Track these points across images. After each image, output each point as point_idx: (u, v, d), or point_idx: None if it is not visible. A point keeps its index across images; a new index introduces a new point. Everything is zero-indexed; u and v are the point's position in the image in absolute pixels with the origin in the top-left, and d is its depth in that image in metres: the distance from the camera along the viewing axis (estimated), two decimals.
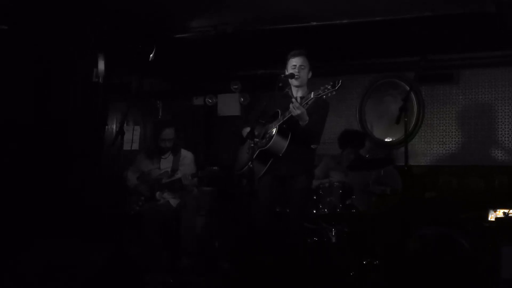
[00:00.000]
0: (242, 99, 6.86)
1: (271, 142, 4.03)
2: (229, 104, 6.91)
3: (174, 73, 6.72)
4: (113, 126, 6.63)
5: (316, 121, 4.09)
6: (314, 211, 4.77)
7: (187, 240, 4.89)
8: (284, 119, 4.00)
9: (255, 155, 4.05)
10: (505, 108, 5.81)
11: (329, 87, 3.74)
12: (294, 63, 4.17)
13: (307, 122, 3.91)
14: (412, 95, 6.03)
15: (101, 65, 5.36)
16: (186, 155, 5.24)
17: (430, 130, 6.12)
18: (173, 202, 5.06)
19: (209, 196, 5.92)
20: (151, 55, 4.30)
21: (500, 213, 4.67)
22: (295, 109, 3.84)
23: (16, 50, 4.82)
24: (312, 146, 4.23)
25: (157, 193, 5.02)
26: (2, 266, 4.01)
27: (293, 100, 3.91)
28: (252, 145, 3.95)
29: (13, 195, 4.62)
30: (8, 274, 3.93)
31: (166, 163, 5.16)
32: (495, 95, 5.87)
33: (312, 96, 3.84)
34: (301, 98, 4.08)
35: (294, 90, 4.27)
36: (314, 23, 5.17)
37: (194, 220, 4.97)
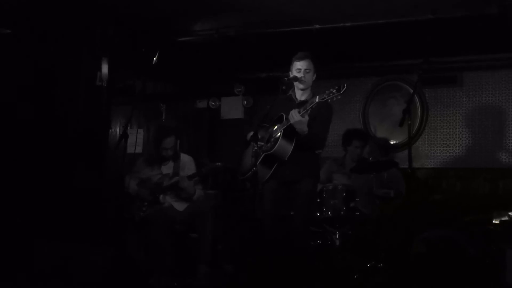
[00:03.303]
0: (245, 102, 6.87)
1: (276, 146, 4.00)
2: (233, 107, 6.93)
3: (177, 76, 6.73)
4: (117, 129, 6.65)
5: (320, 126, 4.08)
6: (318, 214, 4.76)
7: (205, 249, 4.87)
8: (289, 123, 3.98)
9: (259, 159, 4.04)
10: (509, 110, 5.80)
11: (334, 91, 3.73)
12: (299, 67, 4.15)
13: (306, 132, 3.90)
14: (416, 98, 6.02)
15: (104, 69, 5.36)
16: (186, 160, 5.23)
17: (434, 132, 6.11)
18: (177, 205, 5.03)
19: (213, 198, 5.92)
20: (154, 59, 4.31)
21: (505, 216, 4.65)
22: (293, 118, 3.85)
23: (19, 53, 4.84)
24: (316, 151, 4.22)
25: (161, 196, 5.01)
26: (5, 268, 4.02)
27: (293, 111, 3.91)
28: (256, 148, 3.93)
29: (17, 198, 4.63)
30: (12, 276, 3.94)
31: (166, 169, 5.14)
32: (499, 97, 5.86)
33: (317, 100, 3.83)
34: (304, 102, 4.07)
35: (298, 93, 4.26)
36: (317, 26, 5.16)
37: (210, 228, 4.92)
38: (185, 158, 5.22)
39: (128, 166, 5.07)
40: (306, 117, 3.89)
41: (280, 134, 4.02)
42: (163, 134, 5.10)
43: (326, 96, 3.76)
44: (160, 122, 6.95)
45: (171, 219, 4.90)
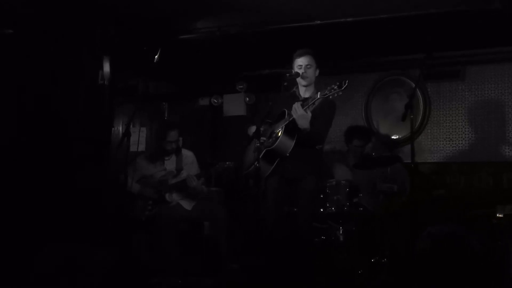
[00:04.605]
0: (247, 99, 6.86)
1: (277, 141, 4.02)
2: (235, 104, 6.91)
3: (179, 74, 6.73)
4: (120, 128, 6.65)
5: (322, 124, 4.09)
6: (321, 210, 4.76)
7: (226, 246, 4.91)
8: (291, 119, 3.99)
9: (261, 154, 4.04)
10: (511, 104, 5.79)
11: (335, 87, 3.74)
12: (300, 63, 4.17)
13: (308, 129, 3.90)
14: (418, 92, 6.01)
15: (106, 68, 5.37)
16: (188, 154, 5.25)
17: (436, 127, 6.10)
18: (185, 204, 5.03)
19: (217, 196, 5.92)
20: (156, 57, 4.31)
21: (508, 209, 4.64)
22: (295, 112, 3.85)
23: (22, 52, 4.84)
24: (316, 147, 4.23)
25: (167, 195, 5.00)
26: (9, 269, 4.04)
27: (295, 104, 3.91)
28: (258, 144, 3.95)
29: (19, 199, 4.64)
30: (15, 277, 3.96)
31: (169, 164, 5.15)
32: (501, 91, 5.84)
33: (318, 97, 3.85)
34: (307, 98, 4.07)
35: (301, 90, 4.26)
36: (319, 22, 5.16)
37: (224, 225, 4.97)
38: (186, 153, 5.25)
39: (128, 165, 5.06)
40: (309, 113, 3.89)
41: (281, 130, 4.03)
42: (167, 127, 5.13)
43: (328, 92, 3.78)
44: (163, 120, 6.95)
45: (179, 218, 4.90)
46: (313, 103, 3.88)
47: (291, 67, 4.24)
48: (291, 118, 3.98)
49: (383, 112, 6.36)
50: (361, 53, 6.11)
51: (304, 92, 4.24)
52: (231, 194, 6.08)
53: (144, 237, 4.90)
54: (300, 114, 3.86)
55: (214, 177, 5.66)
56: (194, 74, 6.81)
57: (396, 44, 5.67)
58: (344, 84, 3.70)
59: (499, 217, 4.63)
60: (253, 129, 4.19)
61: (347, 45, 5.72)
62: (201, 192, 5.07)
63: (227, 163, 4.88)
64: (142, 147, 6.58)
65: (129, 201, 4.93)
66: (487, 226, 4.54)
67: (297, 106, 3.90)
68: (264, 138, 4.14)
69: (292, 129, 4.02)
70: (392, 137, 6.23)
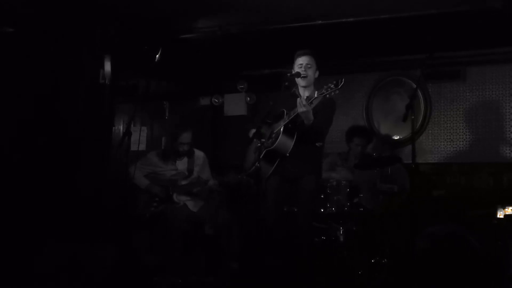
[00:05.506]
0: (248, 99, 6.87)
1: (277, 142, 4.02)
2: (236, 104, 6.92)
3: (180, 73, 6.73)
4: (120, 128, 6.65)
5: (321, 120, 4.09)
6: (322, 210, 4.77)
7: (232, 246, 4.93)
8: (290, 118, 4.00)
9: (262, 155, 4.05)
10: None
11: (332, 86, 3.75)
12: (301, 62, 4.18)
13: (311, 121, 3.91)
14: (419, 93, 6.01)
15: (107, 67, 5.37)
16: (199, 155, 5.25)
17: (437, 127, 6.10)
18: (191, 205, 5.02)
19: (218, 196, 5.92)
20: (157, 56, 4.31)
21: (509, 210, 4.65)
22: (301, 107, 3.85)
23: (22, 52, 4.85)
24: (316, 144, 4.23)
25: (174, 195, 4.99)
26: (9, 269, 4.05)
27: (300, 98, 3.92)
28: (259, 145, 3.95)
29: (21, 199, 4.64)
30: (15, 277, 3.97)
31: (181, 165, 5.15)
32: (502, 91, 5.83)
33: (315, 95, 3.85)
34: (307, 97, 4.08)
35: (301, 90, 4.27)
36: (320, 22, 5.16)
37: (231, 225, 5.00)
38: (198, 153, 5.25)
39: (135, 158, 5.04)
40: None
41: (281, 130, 4.04)
42: (181, 129, 5.11)
43: (325, 91, 3.79)
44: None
45: (185, 219, 4.89)
46: (311, 102, 3.88)
47: (292, 67, 4.25)
48: (290, 118, 3.99)
49: (383, 113, 6.36)
50: (361, 53, 6.11)
51: (303, 93, 4.24)
52: (232, 194, 6.07)
53: (145, 236, 4.90)
54: (307, 110, 3.85)
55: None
56: (195, 74, 6.81)
57: (396, 44, 5.67)
58: (341, 83, 3.71)
59: (499, 217, 4.64)
60: (254, 130, 4.19)
61: (347, 45, 5.72)
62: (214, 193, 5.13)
63: (240, 175, 4.85)
64: (142, 147, 6.58)
65: (133, 197, 4.93)
66: (487, 226, 4.53)
67: (303, 99, 3.87)
68: (264, 139, 4.15)
69: (291, 128, 4.03)
70: (393, 137, 6.23)
